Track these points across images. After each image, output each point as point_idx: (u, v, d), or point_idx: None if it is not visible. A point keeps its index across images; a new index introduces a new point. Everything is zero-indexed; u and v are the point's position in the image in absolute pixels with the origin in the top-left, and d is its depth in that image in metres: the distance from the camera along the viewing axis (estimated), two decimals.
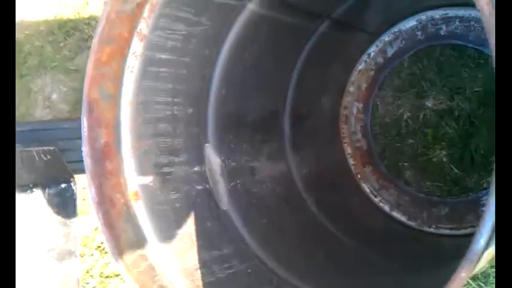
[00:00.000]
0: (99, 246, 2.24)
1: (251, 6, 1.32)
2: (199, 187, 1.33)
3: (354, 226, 1.85)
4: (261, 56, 1.51)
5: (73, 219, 1.83)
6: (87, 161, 1.05)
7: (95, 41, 1.02)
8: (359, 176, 2.06)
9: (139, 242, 1.10)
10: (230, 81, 1.43)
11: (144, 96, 1.18)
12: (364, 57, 2.02)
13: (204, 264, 1.18)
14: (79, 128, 1.06)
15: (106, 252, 2.18)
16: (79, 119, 1.07)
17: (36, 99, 3.52)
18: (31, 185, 1.70)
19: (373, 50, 2.00)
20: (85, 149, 1.05)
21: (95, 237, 2.24)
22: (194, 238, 1.22)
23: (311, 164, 1.86)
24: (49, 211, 1.78)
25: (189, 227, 1.23)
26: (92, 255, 2.24)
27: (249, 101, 1.56)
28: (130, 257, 1.05)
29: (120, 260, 1.02)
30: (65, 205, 1.80)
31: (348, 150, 2.09)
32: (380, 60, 2.01)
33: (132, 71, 1.13)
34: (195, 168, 1.34)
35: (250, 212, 1.45)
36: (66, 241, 1.82)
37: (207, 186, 1.36)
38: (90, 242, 2.26)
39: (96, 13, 2.52)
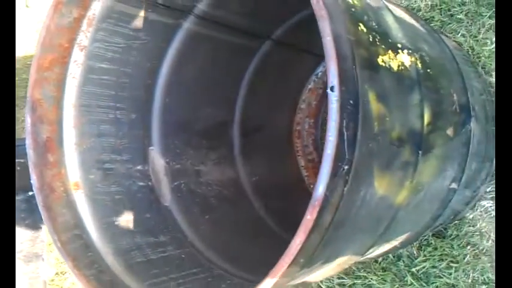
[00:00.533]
0: None
1: (187, 25, 1.50)
2: (141, 183, 1.48)
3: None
4: (204, 69, 1.68)
5: (40, 225, 1.98)
6: (30, 153, 1.21)
7: (37, 49, 1.19)
8: (311, 186, 2.21)
9: (76, 224, 1.25)
10: (174, 91, 1.60)
11: (87, 100, 1.35)
12: (313, 77, 2.20)
13: (138, 247, 1.32)
14: None
15: None
16: None
17: (23, 127, 3.69)
18: None
19: (320, 70, 2.18)
20: (28, 142, 1.21)
21: None
22: (131, 225, 1.37)
23: (262, 173, 2.00)
24: (17, 217, 1.93)
25: (127, 216, 1.38)
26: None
27: (196, 111, 1.72)
28: (65, 235, 1.20)
29: (56, 236, 1.17)
30: (32, 211, 1.96)
31: (302, 162, 2.24)
32: (326, 79, 2.18)
33: (74, 77, 1.30)
34: (138, 167, 1.49)
35: (192, 208, 1.59)
36: (33, 244, 1.96)
37: (149, 183, 1.51)
38: None
39: None
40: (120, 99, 1.44)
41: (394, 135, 1.03)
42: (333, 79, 0.78)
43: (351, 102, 0.83)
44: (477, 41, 1.83)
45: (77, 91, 1.31)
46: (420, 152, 1.13)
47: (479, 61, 1.83)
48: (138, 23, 1.38)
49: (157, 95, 1.56)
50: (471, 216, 1.93)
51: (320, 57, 2.15)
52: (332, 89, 0.78)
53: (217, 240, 1.55)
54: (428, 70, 1.24)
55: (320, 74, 2.18)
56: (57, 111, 1.28)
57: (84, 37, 1.27)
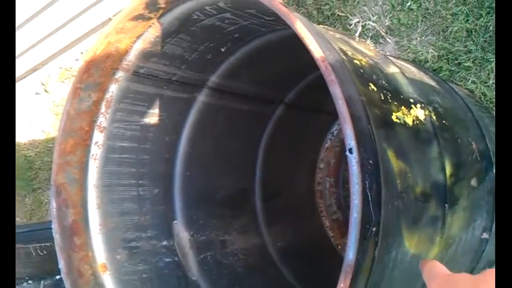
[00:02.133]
0: None
1: (201, 98, 1.54)
2: (168, 259, 1.47)
3: None
4: (222, 139, 1.70)
5: None
6: (57, 237, 1.22)
7: (58, 134, 1.23)
8: (339, 247, 2.17)
9: None
10: (194, 162, 1.62)
11: (109, 180, 1.37)
12: (329, 135, 2.21)
13: None
14: None
15: None
16: None
17: (47, 209, 3.76)
18: (27, 277, 1.86)
19: (335, 128, 2.20)
20: (54, 227, 1.22)
21: None
22: None
23: (287, 237, 1.98)
24: None
25: None
26: None
27: (216, 181, 1.73)
28: None
29: None
30: None
31: (326, 223, 2.21)
32: (342, 136, 2.19)
33: (95, 159, 1.33)
34: (163, 243, 1.49)
35: (221, 281, 1.57)
36: None
37: (176, 258, 1.50)
38: None
39: None
40: (141, 176, 1.46)
41: (418, 190, 1.02)
42: (350, 141, 0.78)
43: (371, 162, 0.83)
44: (488, 86, 1.84)
45: (99, 172, 1.33)
46: (446, 205, 1.12)
47: (493, 106, 1.83)
48: (154, 100, 1.41)
49: (177, 168, 1.57)
50: None
51: (334, 115, 2.17)
52: (351, 151, 0.78)
53: None
54: (444, 121, 1.24)
55: (336, 132, 2.19)
56: (80, 193, 1.29)
57: (103, 119, 1.30)
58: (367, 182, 0.82)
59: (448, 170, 1.14)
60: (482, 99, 1.84)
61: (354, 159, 0.78)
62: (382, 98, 0.98)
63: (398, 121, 1.00)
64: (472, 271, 1.47)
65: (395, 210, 0.92)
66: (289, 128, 1.99)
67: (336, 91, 0.80)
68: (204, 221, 1.66)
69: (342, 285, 0.79)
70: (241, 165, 1.86)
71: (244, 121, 1.78)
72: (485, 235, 1.43)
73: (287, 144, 2.04)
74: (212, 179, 1.72)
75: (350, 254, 0.79)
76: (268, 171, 1.96)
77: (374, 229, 0.84)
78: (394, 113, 1.00)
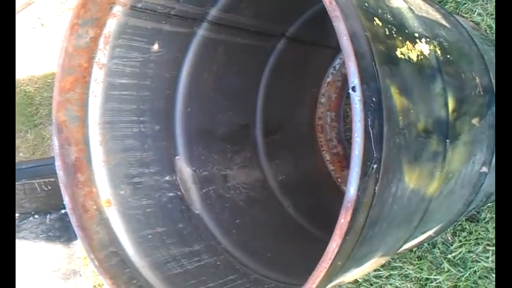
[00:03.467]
0: None
1: (201, 32, 1.50)
2: (171, 194, 1.49)
3: (332, 223, 1.97)
4: (222, 74, 1.68)
5: (75, 242, 2.01)
6: (60, 174, 1.23)
7: (58, 72, 1.21)
8: (339, 179, 2.20)
9: (111, 241, 1.27)
10: (194, 99, 1.61)
11: (110, 117, 1.37)
12: (331, 69, 2.19)
13: (173, 259, 1.34)
14: None
15: None
16: None
17: (50, 145, 3.78)
18: (33, 212, 1.90)
19: (337, 62, 2.17)
20: (57, 164, 1.23)
21: None
22: (165, 237, 1.38)
23: (288, 171, 2.00)
24: (52, 235, 1.96)
25: (160, 228, 1.39)
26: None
27: (217, 116, 1.73)
28: (102, 253, 1.22)
29: (92, 255, 1.19)
30: (66, 229, 1.99)
31: (327, 157, 2.23)
32: (345, 71, 2.16)
33: (96, 96, 1.32)
34: (166, 178, 1.51)
35: (223, 214, 1.60)
36: (70, 262, 2.00)
37: (179, 193, 1.53)
38: None
39: None
40: (143, 113, 1.45)
41: (420, 126, 1.02)
42: (354, 78, 0.77)
43: (374, 99, 0.82)
44: (494, 18, 1.80)
45: (100, 109, 1.33)
46: (448, 140, 1.12)
47: None
48: (153, 35, 1.38)
49: (178, 105, 1.57)
50: None
51: (336, 49, 2.14)
52: (354, 89, 0.77)
53: (250, 244, 1.55)
54: (448, 56, 1.22)
55: (337, 66, 2.16)
56: (82, 130, 1.29)
57: (102, 55, 1.28)
58: (369, 119, 0.81)
59: (451, 105, 1.14)
60: (488, 32, 1.80)
61: (356, 97, 0.77)
62: (387, 33, 0.96)
63: (402, 57, 0.98)
64: (470, 204, 1.50)
65: (397, 146, 0.92)
66: (290, 62, 1.97)
67: (340, 27, 0.78)
68: (205, 157, 1.67)
69: (343, 220, 0.81)
70: (242, 101, 1.85)
71: (245, 56, 1.75)
72: (484, 169, 1.45)
73: (288, 79, 2.02)
74: (213, 115, 1.72)
75: (351, 190, 0.80)
76: (269, 106, 1.95)
77: (375, 166, 0.84)
78: (398, 49, 0.98)
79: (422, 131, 1.02)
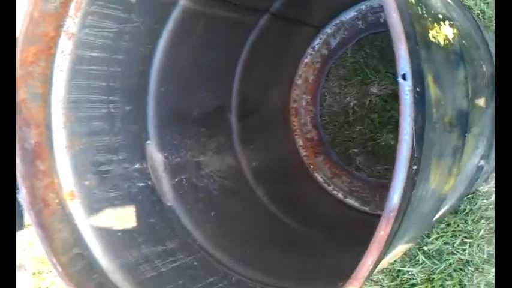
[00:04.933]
0: None
1: (183, 2, 1.32)
2: (141, 184, 1.32)
3: (306, 214, 1.86)
4: (200, 50, 1.51)
5: (20, 232, 1.80)
6: (17, 162, 1.04)
7: (20, 40, 1.01)
8: (311, 166, 2.08)
9: (75, 241, 1.09)
10: (169, 76, 1.43)
11: (77, 95, 1.17)
12: (309, 50, 2.05)
13: (146, 260, 1.17)
14: None
15: None
16: None
17: None
18: None
19: (317, 42, 2.03)
20: (15, 151, 1.03)
21: None
22: (136, 234, 1.21)
23: (261, 157, 1.86)
24: None
25: (130, 223, 1.22)
26: (51, 271, 2.20)
27: (192, 97, 1.56)
28: (65, 256, 1.04)
29: (54, 259, 1.01)
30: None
31: (300, 142, 2.10)
32: (324, 52, 2.04)
33: (61, 70, 1.12)
34: (136, 166, 1.33)
35: (197, 206, 1.45)
36: None
37: (149, 183, 1.36)
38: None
39: None
40: (112, 91, 1.27)
41: (447, 119, 0.90)
42: (405, 64, 0.63)
43: (418, 90, 0.69)
44: (487, 4, 1.71)
45: (65, 86, 1.14)
46: (467, 134, 1.01)
47: (491, 25, 1.71)
48: (129, 4, 1.19)
49: (151, 83, 1.39)
50: (485, 190, 1.84)
51: (317, 28, 2.00)
52: (404, 76, 0.63)
53: (227, 240, 1.41)
54: (464, 41, 1.10)
55: (317, 46, 2.03)
56: (44, 111, 1.10)
57: (72, 23, 1.09)
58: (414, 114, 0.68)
59: (470, 95, 1.03)
60: (480, 17, 1.71)
61: (407, 88, 0.63)
62: (420, 13, 0.83)
63: (434, 40, 0.85)
64: (463, 197, 1.42)
65: (430, 143, 0.80)
66: (270, 40, 1.81)
67: (390, 2, 0.63)
68: (178, 142, 1.50)
69: (382, 233, 0.68)
70: (219, 80, 1.69)
71: (226, 31, 1.58)
72: (482, 162, 1.36)
73: (266, 58, 1.87)
74: (188, 96, 1.55)
75: (395, 198, 0.67)
76: (246, 87, 1.80)
77: (415, 167, 0.71)
78: (430, 31, 0.85)
79: (448, 124, 0.91)
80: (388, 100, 1.91)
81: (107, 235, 1.16)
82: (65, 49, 1.12)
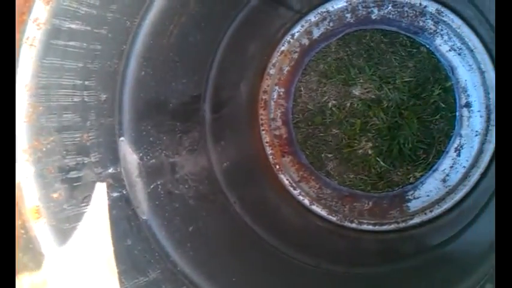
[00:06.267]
0: None
1: None
2: (115, 194, 1.06)
3: (273, 222, 1.68)
4: (187, 30, 1.26)
5: None
6: None
7: None
8: (277, 166, 1.89)
9: (43, 275, 0.81)
10: (151, 59, 1.17)
11: (47, 78, 0.89)
12: (288, 37, 1.83)
13: None
14: None
15: None
16: None
17: None
18: None
19: (297, 30, 1.81)
20: None
21: None
22: (113, 262, 0.96)
23: (231, 156, 1.64)
24: None
25: (106, 248, 0.96)
26: None
27: (171, 85, 1.30)
28: None
29: None
30: None
31: (266, 138, 1.90)
32: (305, 41, 1.83)
33: (32, 44, 0.82)
34: (109, 170, 1.07)
35: (174, 219, 1.21)
36: None
37: (124, 191, 1.09)
38: None
39: None
40: (89, 74, 0.99)
41: None
42: None
43: None
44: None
45: (35, 65, 0.84)
46: None
47: None
48: None
49: (131, 65, 1.12)
50: None
51: (299, 14, 1.79)
52: None
53: (209, 265, 1.19)
54: None
55: (297, 34, 1.81)
56: None
57: None
58: None
59: None
60: None
61: None
62: None
63: None
64: None
65: None
66: (254, 23, 1.59)
67: None
68: (154, 138, 1.25)
69: None
70: (198, 66, 1.44)
71: (217, 7, 1.34)
72: None
73: (244, 42, 1.64)
74: (167, 83, 1.30)
75: None
76: (222, 75, 1.56)
77: None
78: None
79: None
80: (371, 106, 1.75)
81: (81, 265, 0.89)
82: (40, 16, 0.82)
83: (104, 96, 1.05)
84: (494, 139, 1.52)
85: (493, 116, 1.56)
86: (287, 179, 1.87)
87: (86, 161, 0.99)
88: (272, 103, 1.90)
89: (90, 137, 1.02)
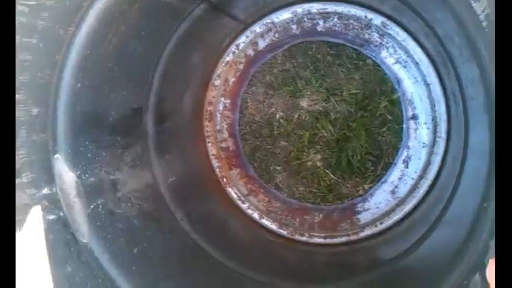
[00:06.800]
0: None
1: None
2: (51, 216, 0.97)
3: (223, 239, 1.62)
4: (127, 39, 1.19)
5: None
6: None
7: None
8: (225, 179, 1.83)
9: None
10: (88, 70, 1.09)
11: None
12: (232, 47, 1.78)
13: None
14: None
15: None
16: None
17: None
18: None
19: (242, 40, 1.77)
20: None
21: None
22: None
23: (177, 170, 1.58)
24: None
25: (43, 277, 0.87)
26: None
27: (110, 97, 1.23)
28: None
29: None
30: None
31: (213, 151, 1.84)
32: (250, 52, 1.79)
33: None
34: (44, 191, 0.98)
35: (117, 241, 1.13)
36: None
37: (61, 213, 1.01)
38: None
39: None
40: (19, 87, 0.90)
41: None
42: None
43: None
44: None
45: None
46: None
47: None
48: None
49: (66, 77, 1.04)
50: None
51: (244, 24, 1.75)
52: None
53: None
54: None
55: (242, 45, 1.77)
56: None
57: None
58: None
59: None
60: None
61: None
62: None
63: None
64: None
65: None
66: (198, 32, 1.53)
67: None
68: (92, 154, 1.17)
69: None
70: (140, 77, 1.37)
71: (160, 17, 1.28)
72: None
73: (187, 53, 1.58)
74: (105, 95, 1.22)
75: None
76: (165, 85, 1.50)
77: None
78: None
79: None
80: (319, 118, 1.72)
81: None
82: None
83: (36, 110, 0.97)
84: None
85: (439, 128, 1.57)
86: (235, 193, 1.82)
87: (17, 182, 0.90)
88: (218, 115, 1.85)
89: (22, 156, 0.93)
